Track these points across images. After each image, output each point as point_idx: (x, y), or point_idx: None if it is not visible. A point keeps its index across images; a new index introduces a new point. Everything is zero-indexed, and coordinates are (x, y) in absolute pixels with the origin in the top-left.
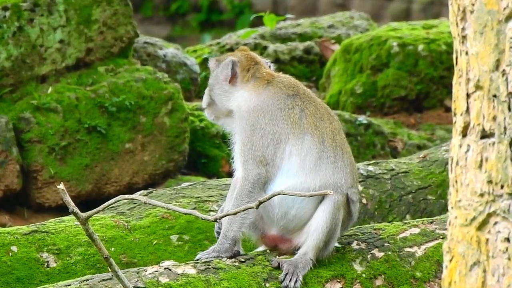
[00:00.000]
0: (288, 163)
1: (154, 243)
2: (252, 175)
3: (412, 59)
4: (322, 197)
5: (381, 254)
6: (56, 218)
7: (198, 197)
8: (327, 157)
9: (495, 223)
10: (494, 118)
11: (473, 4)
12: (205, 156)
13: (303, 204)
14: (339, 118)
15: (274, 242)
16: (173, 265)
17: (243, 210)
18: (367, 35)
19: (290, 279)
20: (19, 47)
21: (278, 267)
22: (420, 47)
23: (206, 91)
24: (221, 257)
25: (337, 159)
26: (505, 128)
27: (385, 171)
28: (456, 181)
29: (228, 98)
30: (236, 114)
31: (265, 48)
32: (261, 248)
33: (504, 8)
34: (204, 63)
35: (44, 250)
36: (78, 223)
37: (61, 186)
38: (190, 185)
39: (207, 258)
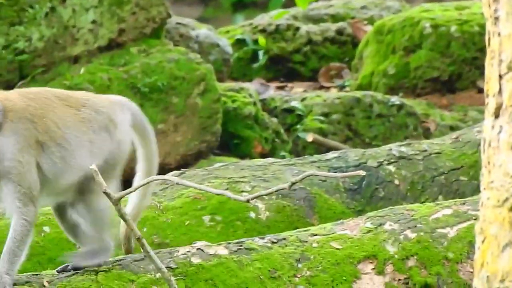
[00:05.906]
0: None
1: (186, 223)
2: None
3: (444, 40)
4: None
5: (413, 235)
6: None
7: (231, 177)
8: None
9: None
10: None
11: None
12: (237, 137)
13: None
14: (371, 99)
15: None
16: (205, 246)
17: (275, 191)
18: (400, 16)
19: None
20: (51, 27)
21: None
22: (453, 28)
23: None
24: None
25: None
26: None
27: (418, 152)
28: (489, 162)
29: None
30: None
31: (297, 29)
32: None
33: None
34: (236, 43)
35: None
36: (110, 203)
37: (94, 166)
38: (222, 166)
39: None
